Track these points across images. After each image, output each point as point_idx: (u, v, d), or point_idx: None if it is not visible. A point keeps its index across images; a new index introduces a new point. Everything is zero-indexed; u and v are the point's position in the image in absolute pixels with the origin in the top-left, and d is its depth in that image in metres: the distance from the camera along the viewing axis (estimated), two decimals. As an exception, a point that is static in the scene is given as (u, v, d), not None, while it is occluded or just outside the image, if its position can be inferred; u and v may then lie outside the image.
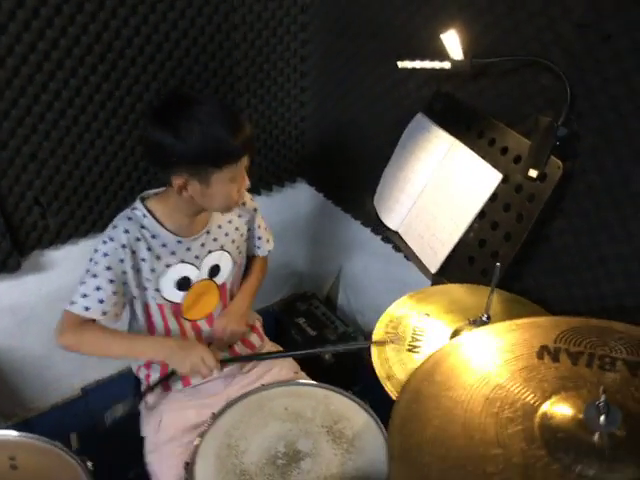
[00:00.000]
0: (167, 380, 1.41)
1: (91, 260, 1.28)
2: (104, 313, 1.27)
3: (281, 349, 1.60)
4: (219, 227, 1.40)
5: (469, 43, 1.29)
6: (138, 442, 1.46)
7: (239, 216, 1.45)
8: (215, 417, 1.25)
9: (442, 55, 1.31)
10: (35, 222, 1.75)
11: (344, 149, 2.01)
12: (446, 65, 1.30)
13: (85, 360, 2.15)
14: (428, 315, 1.19)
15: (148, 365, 1.45)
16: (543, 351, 0.83)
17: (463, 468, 0.69)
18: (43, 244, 1.81)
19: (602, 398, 0.68)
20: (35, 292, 1.93)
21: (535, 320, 0.92)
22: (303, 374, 1.50)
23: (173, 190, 1.26)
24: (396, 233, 1.55)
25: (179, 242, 1.33)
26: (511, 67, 1.30)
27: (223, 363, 1.32)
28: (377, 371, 1.07)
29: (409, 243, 1.50)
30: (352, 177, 1.99)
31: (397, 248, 1.89)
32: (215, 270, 1.41)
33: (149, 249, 1.29)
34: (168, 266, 1.33)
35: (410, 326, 1.16)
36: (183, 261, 1.35)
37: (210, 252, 1.38)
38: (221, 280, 1.43)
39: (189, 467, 1.15)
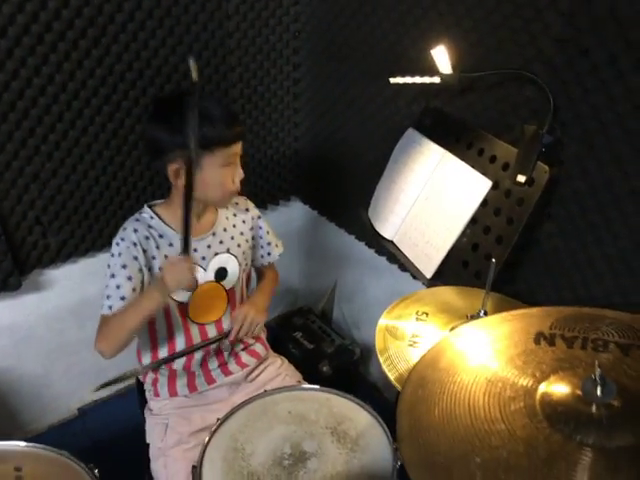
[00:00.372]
0: (173, 360, 1.43)
1: (109, 266, 1.34)
2: None
3: (285, 360, 1.63)
4: (225, 230, 1.44)
5: (457, 59, 1.37)
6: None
7: (243, 222, 1.50)
8: (220, 422, 1.26)
9: (432, 71, 1.38)
10: (36, 241, 1.78)
11: (337, 166, 2.08)
12: (436, 80, 1.37)
13: (82, 380, 2.16)
14: (427, 314, 1.24)
15: (155, 371, 1.47)
16: (539, 337, 0.88)
17: (470, 443, 0.73)
18: (43, 263, 1.84)
19: (598, 371, 0.73)
20: (34, 312, 1.95)
21: (529, 311, 0.97)
22: (305, 383, 1.53)
23: (175, 192, 1.33)
24: (391, 242, 1.61)
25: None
26: (497, 81, 1.38)
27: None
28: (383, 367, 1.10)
29: (404, 251, 1.55)
30: (346, 193, 2.06)
31: (391, 260, 1.94)
32: (222, 273, 1.44)
33: (157, 247, 1.35)
34: None
35: (410, 323, 1.21)
36: None
37: (216, 254, 1.42)
38: (229, 285, 1.46)
39: (196, 471, 1.16)
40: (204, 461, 1.18)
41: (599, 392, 0.72)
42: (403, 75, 1.48)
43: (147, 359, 1.49)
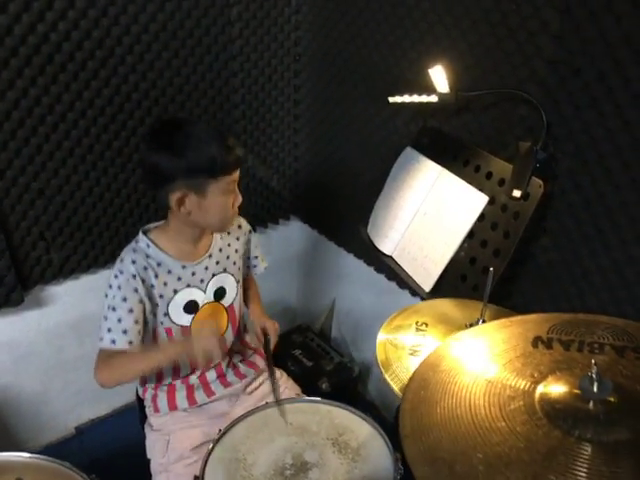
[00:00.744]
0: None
1: (107, 296, 1.34)
2: (130, 342, 1.32)
3: (284, 373, 1.64)
4: (220, 251, 1.46)
5: (454, 79, 1.43)
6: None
7: (237, 238, 1.52)
8: (222, 433, 1.27)
9: (429, 90, 1.44)
10: (39, 257, 1.80)
11: (336, 186, 2.12)
12: (433, 98, 1.43)
13: (80, 398, 2.16)
14: (426, 325, 1.26)
15: (155, 387, 1.47)
16: (537, 341, 0.91)
17: (471, 440, 0.75)
18: (46, 279, 1.86)
19: (594, 369, 0.75)
20: (34, 328, 1.96)
21: (527, 317, 1.00)
22: (305, 396, 1.54)
23: (173, 218, 1.34)
24: (391, 257, 1.64)
25: (184, 267, 1.39)
26: (492, 100, 1.43)
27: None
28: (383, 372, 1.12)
29: (403, 266, 1.58)
30: (345, 212, 2.09)
31: (390, 277, 1.97)
32: (221, 292, 1.47)
33: (156, 276, 1.35)
34: (175, 291, 1.39)
35: (410, 333, 1.23)
36: (189, 285, 1.40)
37: (214, 275, 1.44)
38: (228, 302, 1.48)
39: (198, 481, 1.17)
40: (206, 471, 1.19)
41: (596, 389, 0.75)
42: (401, 95, 1.53)
43: (151, 382, 1.50)
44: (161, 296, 1.37)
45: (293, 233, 2.40)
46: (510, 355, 0.89)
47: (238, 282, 1.51)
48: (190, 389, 1.47)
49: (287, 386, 1.58)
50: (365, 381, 2.32)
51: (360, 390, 2.30)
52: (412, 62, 1.62)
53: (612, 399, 0.75)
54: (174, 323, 1.40)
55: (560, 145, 1.32)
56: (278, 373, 1.62)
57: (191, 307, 1.41)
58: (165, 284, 1.37)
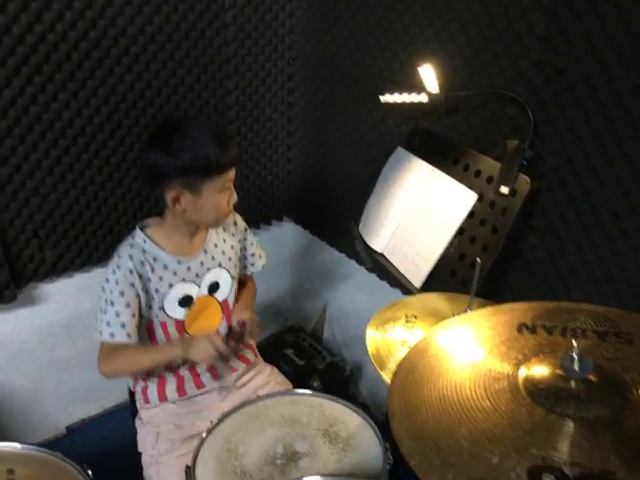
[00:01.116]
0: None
1: (104, 290, 1.37)
2: (129, 336, 1.35)
3: (275, 369, 1.66)
4: (215, 246, 1.49)
5: (443, 80, 1.46)
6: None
7: (232, 235, 1.54)
8: (214, 425, 1.28)
9: (420, 90, 1.47)
10: (33, 254, 1.81)
11: (329, 187, 2.15)
12: (423, 98, 1.46)
13: (71, 397, 2.16)
14: (415, 317, 1.28)
15: (145, 378, 1.49)
16: (522, 326, 0.93)
17: (457, 418, 0.77)
18: (39, 276, 1.86)
19: (575, 349, 0.78)
20: (27, 326, 1.96)
21: (513, 305, 1.03)
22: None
23: (169, 214, 1.37)
24: (382, 255, 1.66)
25: (179, 262, 1.41)
26: (480, 101, 1.47)
27: None
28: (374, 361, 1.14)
29: (395, 263, 1.61)
30: (337, 212, 2.12)
31: (382, 277, 1.99)
32: (215, 287, 1.48)
33: (152, 271, 1.37)
34: (171, 286, 1.41)
35: (400, 325, 1.25)
36: (184, 280, 1.42)
37: (209, 270, 1.46)
38: (222, 297, 1.50)
39: (189, 471, 1.18)
40: (197, 461, 1.20)
41: (577, 368, 0.77)
42: (393, 92, 1.57)
43: (142, 374, 1.51)
44: (157, 290, 1.39)
45: (286, 234, 2.42)
46: (495, 340, 0.91)
47: (233, 278, 1.52)
48: (180, 380, 1.48)
49: (278, 381, 1.59)
50: (357, 382, 2.33)
51: (352, 391, 2.32)
52: (403, 64, 1.65)
53: (593, 378, 0.78)
54: (169, 317, 1.42)
55: (546, 144, 1.36)
56: (269, 368, 1.63)
57: (186, 301, 1.43)
58: (161, 279, 1.39)
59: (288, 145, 2.23)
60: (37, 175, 1.71)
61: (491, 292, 1.48)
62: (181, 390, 1.48)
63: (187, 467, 1.19)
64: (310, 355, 2.17)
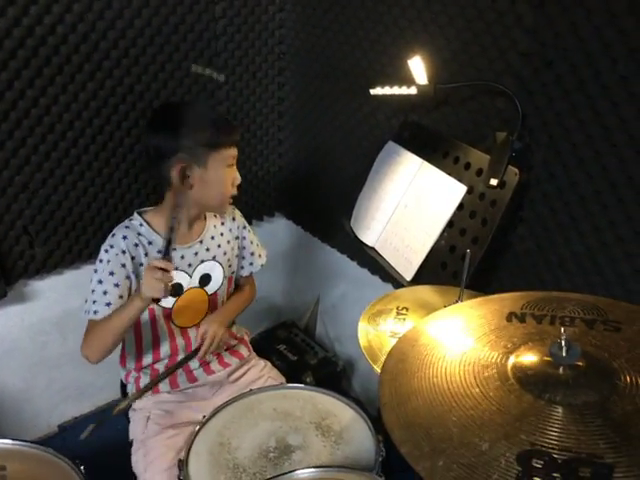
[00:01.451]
0: (157, 384, 1.45)
1: (96, 270, 1.37)
2: None
3: (268, 363, 1.66)
4: (212, 238, 1.49)
5: (432, 72, 1.47)
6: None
7: (230, 230, 1.55)
8: (206, 419, 1.28)
9: (409, 82, 1.48)
10: (22, 251, 1.80)
11: (320, 182, 2.15)
12: (413, 90, 1.46)
13: (63, 395, 2.15)
14: (407, 309, 1.29)
15: (138, 370, 1.48)
16: (511, 316, 0.94)
17: (447, 405, 0.77)
18: (29, 273, 1.85)
19: (563, 336, 0.78)
20: (18, 324, 1.95)
21: (502, 295, 1.03)
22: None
23: (168, 196, 1.37)
24: (373, 248, 1.67)
25: (173, 249, 1.40)
26: (469, 93, 1.48)
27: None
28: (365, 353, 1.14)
29: (386, 256, 1.61)
30: (329, 208, 2.12)
31: (373, 272, 2.00)
32: (206, 279, 1.48)
33: (146, 255, 1.38)
34: None
35: (391, 317, 1.26)
36: (177, 268, 1.42)
37: (202, 261, 1.47)
38: (212, 290, 1.50)
39: (182, 464, 1.18)
40: (190, 455, 1.20)
41: (565, 354, 0.78)
42: (383, 85, 1.57)
43: (131, 364, 1.50)
44: None
45: (277, 230, 2.42)
46: (485, 329, 0.92)
47: (226, 273, 1.52)
48: (173, 375, 1.48)
49: (271, 376, 1.59)
50: (349, 377, 2.34)
51: (344, 386, 2.32)
52: (392, 57, 1.66)
53: (581, 364, 0.79)
54: (158, 305, 1.40)
55: (535, 135, 1.36)
56: (262, 362, 1.63)
57: (175, 290, 1.43)
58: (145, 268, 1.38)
59: (279, 140, 2.22)
60: (26, 171, 1.70)
61: (481, 284, 1.48)
62: (173, 383, 1.48)
63: (179, 461, 1.19)
64: (303, 351, 2.18)
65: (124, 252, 1.35)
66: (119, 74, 1.74)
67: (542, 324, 0.90)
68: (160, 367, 1.48)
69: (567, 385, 0.77)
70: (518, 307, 0.96)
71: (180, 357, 1.48)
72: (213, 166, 1.33)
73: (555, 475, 0.66)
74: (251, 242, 1.62)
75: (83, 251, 1.92)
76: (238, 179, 1.40)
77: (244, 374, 1.57)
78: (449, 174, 1.49)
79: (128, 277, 1.36)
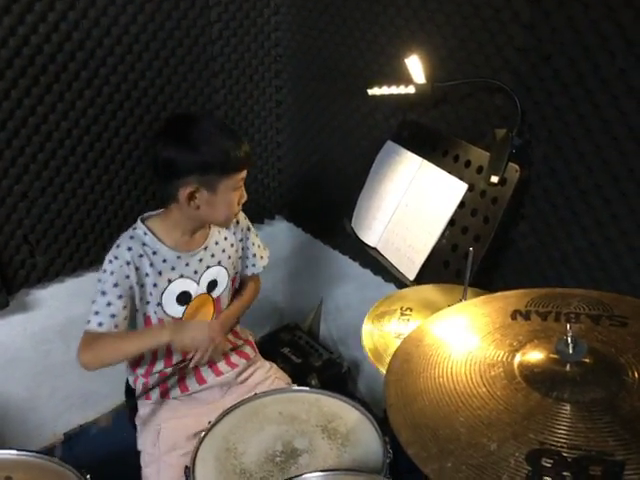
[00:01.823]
0: (165, 381, 1.45)
1: (100, 280, 1.35)
2: (116, 326, 1.33)
3: (274, 364, 1.66)
4: (216, 244, 1.48)
5: (430, 71, 1.46)
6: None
7: (234, 233, 1.54)
8: (212, 425, 1.28)
9: (407, 82, 1.47)
10: (23, 260, 1.80)
11: (320, 183, 2.14)
12: (411, 90, 1.46)
13: (68, 403, 2.14)
14: (411, 309, 1.28)
15: (146, 375, 1.48)
16: (516, 313, 0.93)
17: (453, 405, 0.77)
18: (31, 282, 1.85)
19: (569, 332, 0.78)
20: (20, 333, 1.95)
21: (506, 293, 1.03)
22: (295, 385, 1.55)
23: (175, 210, 1.36)
24: (375, 249, 1.66)
25: (178, 257, 1.40)
26: (467, 90, 1.47)
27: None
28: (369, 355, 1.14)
29: (388, 256, 1.61)
30: (329, 209, 2.11)
31: (375, 272, 1.99)
32: (213, 285, 1.48)
33: (151, 265, 1.37)
34: (170, 281, 1.40)
35: (395, 318, 1.25)
36: (182, 276, 1.41)
37: (208, 267, 1.46)
38: (217, 294, 1.50)
39: (189, 471, 1.17)
40: (196, 461, 1.20)
41: (571, 351, 0.77)
42: (381, 85, 1.57)
43: (142, 369, 1.49)
44: (155, 285, 1.38)
45: (278, 232, 2.42)
46: (490, 328, 0.91)
47: (229, 276, 1.52)
48: (182, 376, 1.47)
49: (277, 376, 1.59)
50: (354, 378, 2.33)
51: (350, 387, 2.32)
52: (389, 57, 1.65)
53: (587, 361, 0.78)
54: (167, 314, 1.41)
55: (534, 131, 1.36)
56: (268, 364, 1.63)
57: (184, 298, 1.43)
58: (160, 273, 1.38)
59: (278, 143, 2.22)
60: (25, 180, 1.70)
61: (484, 282, 1.48)
62: (182, 387, 1.47)
63: (186, 467, 1.18)
64: (307, 353, 2.17)
65: (128, 263, 1.34)
66: (116, 81, 1.74)
67: (547, 321, 0.90)
68: (169, 370, 1.47)
69: (574, 382, 0.76)
70: (522, 304, 0.95)
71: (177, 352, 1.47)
72: (222, 190, 1.31)
73: (565, 474, 0.65)
74: (253, 244, 1.62)
75: (84, 259, 1.92)
76: (244, 197, 1.39)
77: (251, 375, 1.56)
78: (449, 172, 1.49)
79: (132, 288, 1.35)
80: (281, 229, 2.41)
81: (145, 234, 1.37)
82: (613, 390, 0.75)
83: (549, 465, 0.67)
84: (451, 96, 1.52)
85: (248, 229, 1.59)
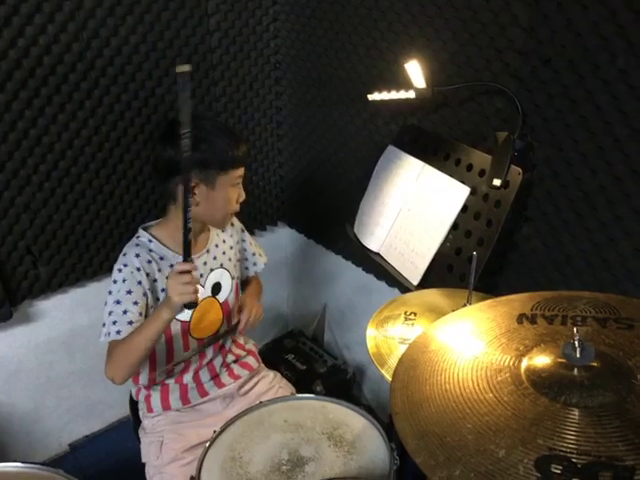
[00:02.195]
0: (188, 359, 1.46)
1: (111, 292, 1.34)
2: None
3: (278, 374, 1.65)
4: (217, 246, 1.49)
5: (430, 75, 1.46)
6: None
7: (231, 236, 1.55)
8: (217, 434, 1.27)
9: (407, 86, 1.47)
10: (26, 271, 1.80)
11: (321, 189, 2.14)
12: (411, 94, 1.45)
13: (72, 414, 2.14)
14: (415, 314, 1.27)
15: (148, 387, 1.47)
16: (522, 317, 0.92)
17: (460, 412, 0.76)
18: (34, 293, 1.85)
19: (576, 336, 0.77)
20: (24, 344, 1.94)
21: (511, 297, 1.02)
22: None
23: (175, 212, 1.37)
24: (378, 254, 1.66)
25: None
26: (468, 94, 1.47)
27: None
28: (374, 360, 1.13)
29: (391, 261, 1.60)
30: (331, 214, 2.11)
31: (379, 277, 1.98)
32: (217, 287, 1.49)
33: (159, 270, 1.37)
34: None
35: (399, 323, 1.24)
36: None
37: (212, 270, 1.47)
38: (223, 297, 1.50)
39: (195, 481, 1.16)
40: (202, 471, 1.19)
41: (579, 354, 0.76)
42: (381, 90, 1.57)
43: (144, 380, 1.48)
44: (163, 290, 1.38)
45: (281, 239, 2.42)
46: (496, 332, 0.91)
47: (233, 278, 1.53)
48: (184, 389, 1.47)
49: (281, 386, 1.58)
50: (360, 384, 2.32)
51: (355, 393, 2.31)
52: (389, 62, 1.65)
53: (595, 364, 0.77)
54: (175, 318, 1.39)
55: (536, 133, 1.35)
56: (272, 374, 1.62)
57: (190, 301, 1.41)
58: (168, 278, 1.37)
59: (279, 149, 2.22)
60: (27, 191, 1.70)
61: (488, 286, 1.47)
62: (184, 399, 1.47)
63: (192, 477, 1.17)
64: (311, 359, 2.16)
65: (139, 269, 1.33)
66: (116, 91, 1.74)
67: (553, 325, 0.89)
68: (171, 382, 1.46)
69: (582, 386, 0.75)
70: (528, 308, 0.95)
71: (191, 372, 1.47)
72: (220, 186, 1.33)
73: (575, 480, 0.65)
74: (250, 243, 1.64)
75: (87, 269, 1.92)
76: (242, 196, 1.40)
77: (254, 386, 1.56)
78: (451, 176, 1.48)
79: (145, 294, 1.35)
80: (283, 235, 2.41)
81: (150, 241, 1.38)
82: (622, 394, 0.74)
83: (559, 471, 0.66)
84: (452, 100, 1.52)
85: (242, 230, 1.61)
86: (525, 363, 0.82)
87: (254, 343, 1.68)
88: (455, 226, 1.45)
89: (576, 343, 0.77)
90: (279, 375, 1.64)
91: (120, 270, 1.34)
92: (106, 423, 2.24)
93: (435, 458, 0.71)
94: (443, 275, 1.46)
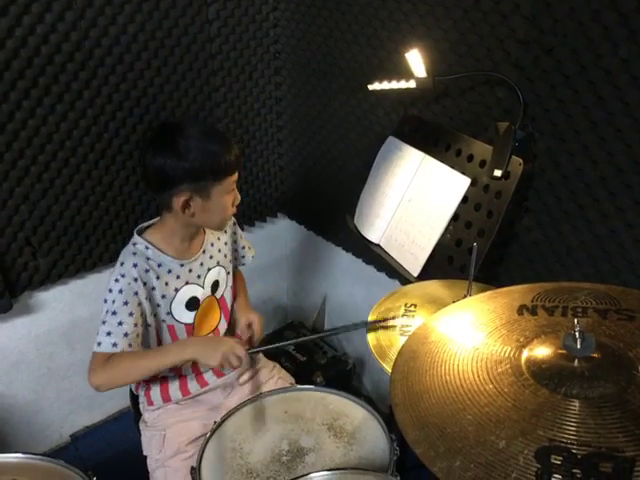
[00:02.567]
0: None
1: (106, 301, 1.31)
2: (130, 345, 1.30)
3: (277, 365, 1.65)
4: (212, 245, 1.48)
5: (431, 65, 1.45)
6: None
7: (225, 231, 1.53)
8: (217, 425, 1.27)
9: (408, 76, 1.46)
10: (26, 263, 1.79)
11: (321, 180, 2.13)
12: (412, 84, 1.44)
13: (73, 405, 2.14)
14: (415, 306, 1.27)
15: (148, 381, 1.47)
16: (522, 309, 0.92)
17: (461, 403, 0.76)
18: (34, 285, 1.84)
19: (577, 327, 0.77)
20: (24, 336, 1.94)
21: (512, 288, 1.02)
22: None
23: (170, 218, 1.34)
24: (378, 245, 1.65)
25: (181, 265, 1.39)
26: (469, 84, 1.46)
27: (250, 354, 1.37)
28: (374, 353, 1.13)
29: (391, 253, 1.60)
30: (331, 206, 2.11)
31: (379, 268, 1.98)
32: (216, 286, 1.48)
33: (158, 278, 1.35)
34: (177, 290, 1.39)
35: (400, 314, 1.24)
36: (188, 282, 1.40)
37: (209, 269, 1.46)
38: (220, 294, 1.50)
39: (195, 472, 1.17)
40: (202, 461, 1.19)
41: (579, 345, 0.76)
42: (382, 80, 1.56)
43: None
44: (163, 296, 1.37)
45: (281, 230, 2.41)
46: (496, 323, 0.91)
47: (228, 274, 1.52)
48: (183, 380, 1.47)
49: (281, 376, 1.58)
50: (360, 375, 2.33)
51: (355, 385, 2.31)
52: (390, 51, 1.64)
53: (596, 355, 0.77)
54: (177, 321, 1.40)
55: (538, 124, 1.34)
56: (271, 364, 1.62)
57: (193, 304, 1.42)
58: (167, 284, 1.37)
59: (278, 140, 2.21)
60: (26, 182, 1.69)
61: (489, 277, 1.47)
62: (184, 390, 1.47)
63: (192, 468, 1.18)
64: (311, 351, 2.16)
65: (136, 280, 1.31)
66: (115, 81, 1.73)
67: (554, 316, 0.89)
68: (170, 374, 1.46)
69: (583, 378, 0.75)
70: (529, 299, 0.94)
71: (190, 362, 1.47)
72: (215, 196, 1.29)
73: (575, 471, 0.65)
74: (240, 236, 1.62)
75: (87, 260, 1.91)
76: (238, 199, 1.37)
77: (254, 375, 1.56)
78: (452, 167, 1.48)
79: (140, 304, 1.33)
80: (283, 227, 2.41)
81: (147, 248, 1.35)
82: (622, 385, 0.74)
83: (559, 462, 0.66)
84: (452, 90, 1.51)
85: (235, 224, 1.59)
86: (525, 354, 0.82)
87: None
88: (455, 217, 1.45)
89: (577, 334, 0.77)
90: (278, 366, 1.64)
91: (117, 280, 1.31)
92: (107, 414, 2.24)
93: (435, 449, 0.71)
94: (443, 266, 1.45)
